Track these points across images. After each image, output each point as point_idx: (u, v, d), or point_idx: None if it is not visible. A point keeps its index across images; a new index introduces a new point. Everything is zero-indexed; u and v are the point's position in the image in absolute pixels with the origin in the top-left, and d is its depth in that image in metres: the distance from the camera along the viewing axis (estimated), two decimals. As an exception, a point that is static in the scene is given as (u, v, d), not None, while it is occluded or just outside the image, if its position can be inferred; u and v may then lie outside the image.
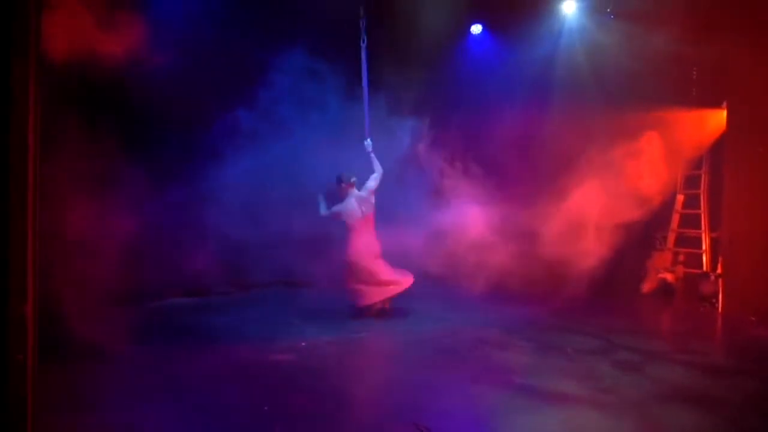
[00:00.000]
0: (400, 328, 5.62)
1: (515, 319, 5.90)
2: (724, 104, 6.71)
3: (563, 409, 3.52)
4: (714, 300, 6.57)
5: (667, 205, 7.65)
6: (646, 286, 7.41)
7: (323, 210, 6.07)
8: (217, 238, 7.29)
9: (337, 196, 6.12)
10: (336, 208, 6.04)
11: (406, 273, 6.04)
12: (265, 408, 3.50)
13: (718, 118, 6.89)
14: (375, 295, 5.88)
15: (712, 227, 7.26)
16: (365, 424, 3.38)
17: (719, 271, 6.69)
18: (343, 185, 6.07)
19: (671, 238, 7.72)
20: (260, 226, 7.31)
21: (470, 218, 7.12)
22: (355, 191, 6.03)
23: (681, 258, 7.60)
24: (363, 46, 6.01)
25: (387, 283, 5.92)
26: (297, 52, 6.92)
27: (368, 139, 6.02)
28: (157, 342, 5.08)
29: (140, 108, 6.41)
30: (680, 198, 7.75)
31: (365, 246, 5.95)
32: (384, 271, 5.94)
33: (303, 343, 5.02)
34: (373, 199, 6.04)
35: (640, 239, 7.60)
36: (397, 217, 6.76)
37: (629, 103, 6.58)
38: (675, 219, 7.76)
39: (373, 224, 6.09)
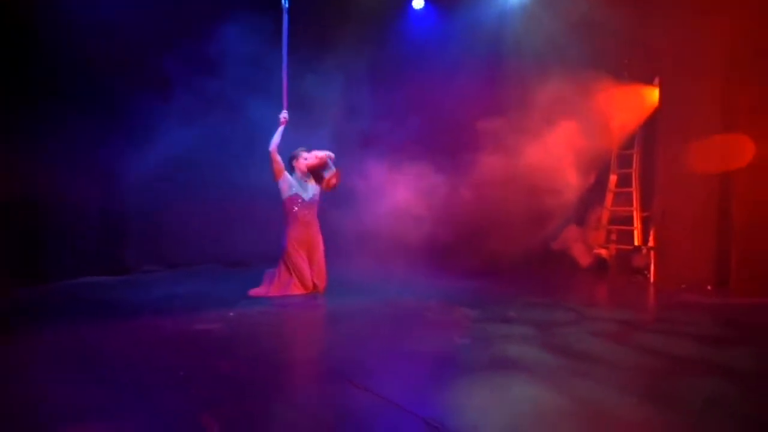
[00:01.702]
0: (339, 299, 5.35)
1: (457, 290, 5.76)
2: (657, 80, 6.88)
3: (520, 375, 3.33)
4: (646, 272, 6.73)
5: (601, 183, 7.83)
6: (582, 261, 7.52)
7: (273, 142, 5.40)
8: (141, 214, 6.79)
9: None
10: (279, 158, 5.46)
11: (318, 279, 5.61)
12: (181, 373, 3.15)
13: (650, 95, 7.07)
14: (280, 289, 5.44)
15: (644, 206, 7.45)
16: (299, 385, 3.12)
17: (651, 244, 6.85)
18: (294, 162, 5.59)
19: (605, 215, 7.87)
20: (191, 203, 6.88)
21: (407, 194, 7.01)
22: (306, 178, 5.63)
23: (613, 236, 7.78)
24: (285, 8, 5.62)
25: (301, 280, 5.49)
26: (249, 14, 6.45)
27: (285, 111, 5.59)
28: (68, 317, 4.58)
29: (57, 63, 5.82)
30: (613, 177, 7.92)
31: (303, 234, 5.54)
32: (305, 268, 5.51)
33: (231, 313, 4.67)
34: (317, 193, 5.66)
35: (574, 216, 7.77)
36: (341, 198, 6.50)
37: (566, 75, 6.64)
38: (608, 197, 7.92)
39: (315, 214, 5.66)
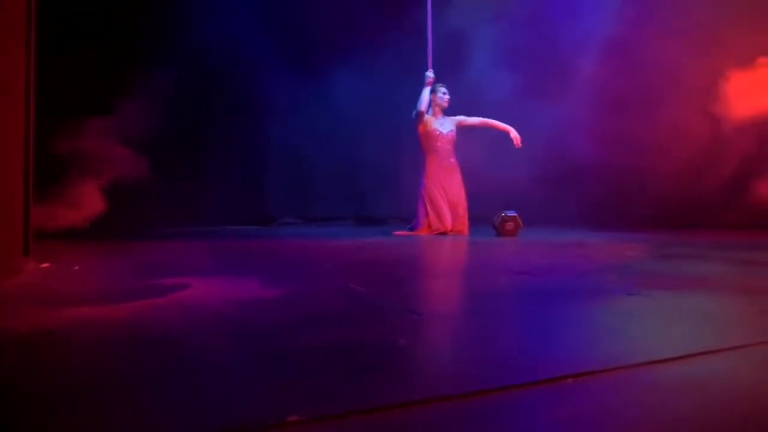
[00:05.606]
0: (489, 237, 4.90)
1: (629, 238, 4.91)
2: None
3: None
4: None
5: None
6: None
7: (421, 102, 5.28)
8: (284, 170, 6.98)
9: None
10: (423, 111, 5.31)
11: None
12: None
13: None
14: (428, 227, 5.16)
15: None
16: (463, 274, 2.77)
17: None
18: (432, 96, 5.34)
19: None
20: (329, 158, 6.93)
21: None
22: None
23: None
24: None
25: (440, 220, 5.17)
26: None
27: (430, 70, 5.31)
28: (225, 238, 4.83)
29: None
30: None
31: (441, 170, 5.26)
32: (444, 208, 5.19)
33: (367, 240, 4.47)
34: (454, 129, 5.35)
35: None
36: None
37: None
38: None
39: (452, 152, 5.35)
